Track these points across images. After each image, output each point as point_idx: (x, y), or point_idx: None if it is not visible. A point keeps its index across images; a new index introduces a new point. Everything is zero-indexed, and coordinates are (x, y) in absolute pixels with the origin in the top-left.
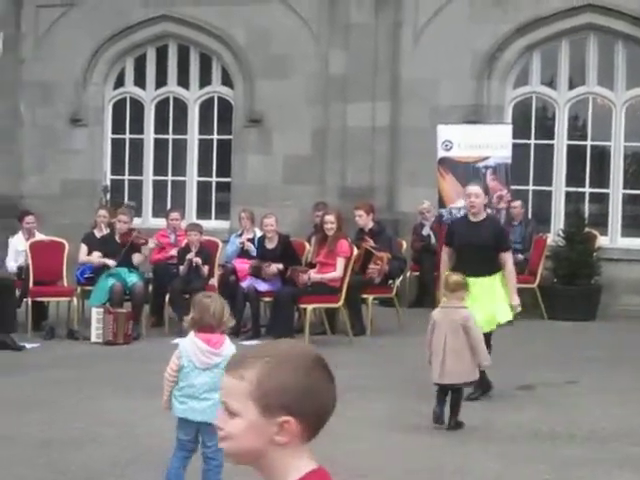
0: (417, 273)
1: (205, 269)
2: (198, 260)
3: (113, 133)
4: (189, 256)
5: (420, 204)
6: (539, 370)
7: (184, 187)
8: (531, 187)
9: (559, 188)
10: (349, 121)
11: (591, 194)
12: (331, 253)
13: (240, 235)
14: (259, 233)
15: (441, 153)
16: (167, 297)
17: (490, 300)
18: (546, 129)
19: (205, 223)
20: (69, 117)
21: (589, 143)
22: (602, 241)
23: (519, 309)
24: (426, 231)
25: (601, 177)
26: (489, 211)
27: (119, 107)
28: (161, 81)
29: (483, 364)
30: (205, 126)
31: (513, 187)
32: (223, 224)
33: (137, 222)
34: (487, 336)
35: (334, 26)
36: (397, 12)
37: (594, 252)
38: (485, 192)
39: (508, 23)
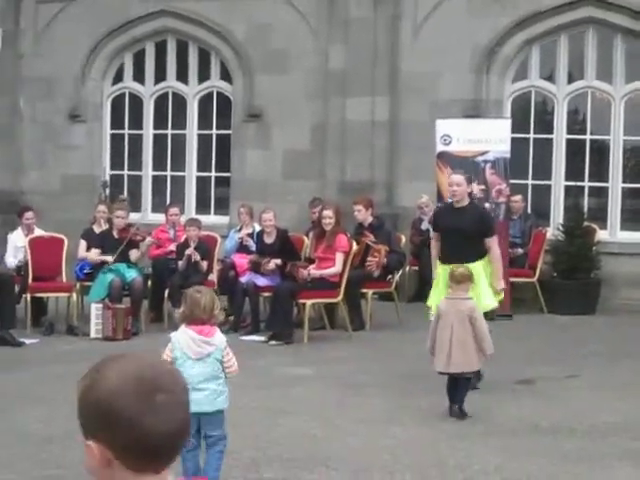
0: (416, 267)
1: (204, 264)
2: (197, 255)
3: (112, 128)
4: (188, 251)
5: (419, 198)
6: (539, 364)
7: (183, 182)
8: (530, 181)
9: (558, 182)
10: (348, 116)
11: (590, 188)
12: (330, 248)
13: (239, 230)
14: (258, 228)
15: (440, 147)
16: (166, 292)
17: (477, 287)
18: (545, 123)
19: (204, 218)
20: (68, 112)
21: (588, 137)
22: (601, 235)
23: (502, 295)
24: (425, 225)
25: (600, 171)
26: (488, 205)
27: (118, 102)
28: (160, 76)
29: (488, 353)
30: (204, 121)
31: (512, 181)
32: (222, 219)
33: (136, 217)
34: None
35: (333, 21)
36: (396, 6)
37: (593, 246)
38: (484, 186)
39: (507, 17)
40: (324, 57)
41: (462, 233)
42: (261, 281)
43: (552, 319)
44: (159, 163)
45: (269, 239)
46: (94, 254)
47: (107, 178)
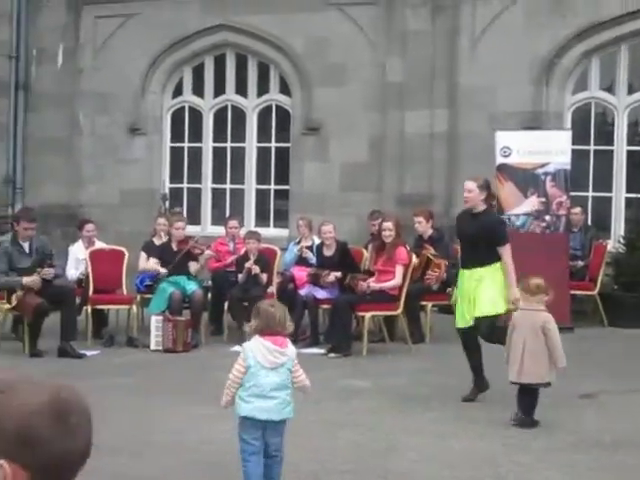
0: None
1: (264, 277)
2: (257, 268)
3: (172, 142)
4: (248, 264)
5: None
6: (601, 378)
7: (242, 195)
8: (591, 193)
9: (619, 194)
10: (407, 128)
11: None
12: (389, 261)
13: (298, 243)
14: (317, 241)
15: (500, 160)
16: (226, 305)
17: (479, 292)
18: (605, 135)
19: (263, 231)
20: (128, 126)
21: None
22: None
23: (519, 304)
24: None
25: None
26: (549, 217)
27: (178, 116)
28: (219, 90)
29: (559, 366)
30: (263, 134)
31: (572, 193)
32: (281, 232)
33: (195, 230)
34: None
35: (391, 33)
36: (454, 19)
37: None
38: (545, 198)
39: (566, 29)
40: (382, 70)
41: (473, 239)
42: (320, 294)
43: (613, 332)
44: (218, 176)
45: (329, 251)
46: (152, 262)
47: (167, 191)
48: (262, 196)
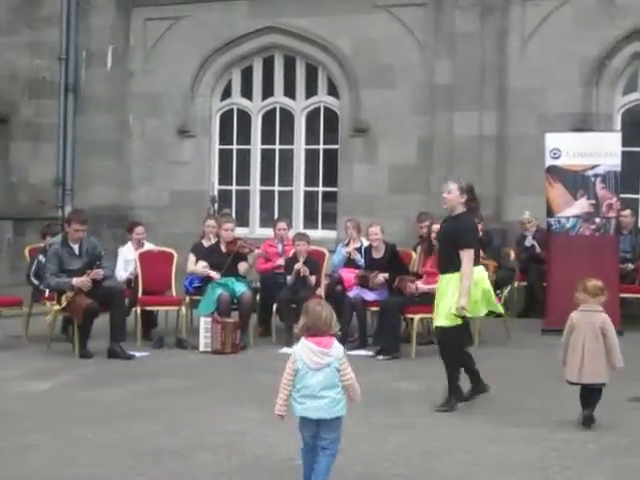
0: (524, 283)
1: (312, 279)
2: (305, 270)
3: (220, 144)
4: (297, 266)
5: (522, 215)
6: None
7: (291, 197)
8: None
9: None
10: (456, 130)
11: None
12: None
13: (347, 244)
14: (365, 243)
15: (549, 162)
16: (274, 307)
17: (449, 296)
18: None
19: (312, 233)
20: (177, 128)
21: None
22: None
23: (464, 312)
24: (529, 242)
25: None
26: (598, 220)
27: (226, 118)
28: (268, 92)
29: (617, 366)
30: (311, 136)
31: (622, 195)
32: (330, 234)
33: (244, 232)
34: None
35: (439, 35)
36: (503, 20)
37: None
38: (595, 201)
39: (616, 29)
40: (430, 71)
41: (443, 244)
42: (369, 295)
43: None
44: (267, 178)
45: (377, 253)
46: (200, 266)
47: (215, 193)
48: (310, 198)
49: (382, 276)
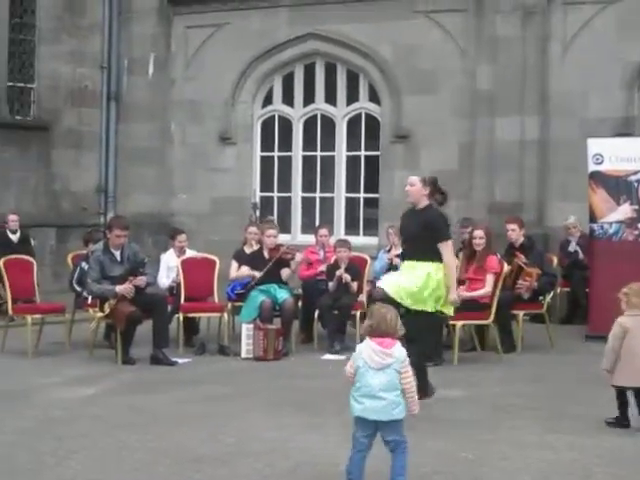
0: (567, 289)
1: (354, 285)
2: (347, 276)
3: (262, 151)
4: (338, 272)
5: (566, 219)
6: None
7: (332, 203)
8: None
9: None
10: (497, 135)
11: None
12: (480, 269)
13: (388, 251)
14: None
15: (592, 167)
16: (316, 313)
17: (412, 280)
18: None
19: (353, 239)
20: (218, 135)
21: None
22: None
23: (457, 304)
24: (572, 247)
25: None
26: None
27: (267, 125)
28: (309, 98)
29: None
30: (353, 142)
31: None
32: (371, 240)
33: (286, 238)
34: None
35: (480, 40)
36: (544, 25)
37: None
38: (638, 206)
39: None
40: (471, 77)
41: (412, 237)
42: None
43: None
44: (308, 185)
45: None
46: (244, 269)
47: (257, 200)
48: (352, 204)
49: None
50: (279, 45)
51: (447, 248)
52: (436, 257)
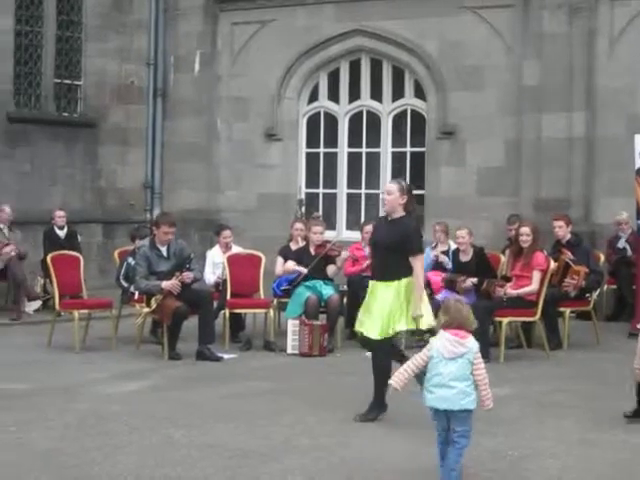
0: (614, 286)
1: None
2: None
3: (307, 147)
4: None
5: (618, 215)
6: None
7: (378, 200)
8: None
9: None
10: (544, 132)
11: None
12: (527, 266)
13: (434, 247)
14: (454, 246)
15: (639, 163)
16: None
17: (384, 307)
18: None
19: None
20: (264, 132)
21: None
22: None
23: (423, 324)
24: (622, 244)
25: None
26: None
27: (313, 121)
28: (354, 95)
29: None
30: (398, 139)
31: None
32: None
33: (331, 235)
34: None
35: (527, 36)
36: (591, 20)
37: None
38: None
39: None
40: (518, 73)
41: (384, 249)
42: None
43: None
44: (354, 181)
45: (465, 257)
46: (290, 263)
47: (303, 196)
48: None
49: (470, 280)
50: (325, 41)
51: (419, 262)
52: (408, 272)
